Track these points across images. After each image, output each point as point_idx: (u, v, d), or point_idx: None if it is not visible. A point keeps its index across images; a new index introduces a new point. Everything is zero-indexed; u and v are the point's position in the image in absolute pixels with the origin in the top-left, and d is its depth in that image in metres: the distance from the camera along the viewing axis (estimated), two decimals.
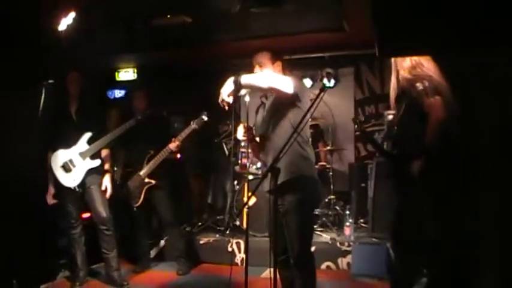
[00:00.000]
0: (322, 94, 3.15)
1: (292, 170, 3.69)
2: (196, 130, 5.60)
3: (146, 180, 5.68)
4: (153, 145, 5.74)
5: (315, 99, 3.22)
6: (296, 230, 3.74)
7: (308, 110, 3.29)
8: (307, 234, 3.92)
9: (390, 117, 5.95)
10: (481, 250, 2.96)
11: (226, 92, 3.58)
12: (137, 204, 5.73)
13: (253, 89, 3.76)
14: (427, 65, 3.63)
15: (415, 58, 3.63)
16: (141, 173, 5.69)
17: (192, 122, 5.58)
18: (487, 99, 2.61)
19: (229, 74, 5.44)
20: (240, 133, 3.94)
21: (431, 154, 3.53)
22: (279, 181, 3.38)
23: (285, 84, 3.62)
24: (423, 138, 3.57)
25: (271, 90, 3.68)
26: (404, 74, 3.68)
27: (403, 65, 3.69)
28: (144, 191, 5.68)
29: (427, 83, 3.54)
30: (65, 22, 4.38)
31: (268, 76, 3.73)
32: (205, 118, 5.56)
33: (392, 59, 3.78)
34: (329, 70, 3.19)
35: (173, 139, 5.61)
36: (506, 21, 2.01)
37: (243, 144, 6.17)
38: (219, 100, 3.61)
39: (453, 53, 2.63)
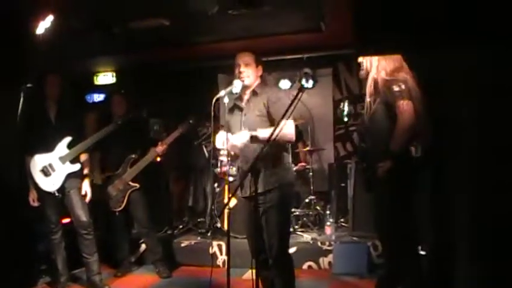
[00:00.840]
0: (300, 95, 3.17)
1: (273, 180, 3.81)
2: (182, 134, 5.64)
3: (131, 184, 5.67)
4: (132, 148, 5.74)
5: (293, 100, 3.24)
6: (275, 229, 3.81)
7: (286, 112, 3.30)
8: (286, 234, 3.98)
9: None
10: (457, 251, 3.01)
11: (237, 144, 3.69)
12: (120, 208, 5.70)
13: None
14: (404, 66, 3.70)
15: (396, 59, 3.70)
16: (124, 176, 5.67)
17: (179, 128, 5.61)
18: (465, 99, 2.65)
19: (209, 75, 5.44)
20: (219, 142, 3.94)
21: (396, 156, 3.61)
22: (260, 190, 3.57)
23: (293, 128, 3.79)
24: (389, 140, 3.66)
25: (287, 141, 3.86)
26: (382, 74, 3.73)
27: (384, 65, 3.74)
28: (127, 195, 5.67)
29: (403, 86, 3.61)
30: (43, 25, 4.34)
31: (283, 130, 3.76)
32: (192, 122, 5.60)
33: (373, 58, 3.82)
34: (307, 70, 3.21)
35: (160, 143, 5.64)
36: (488, 22, 2.05)
37: (222, 152, 6.17)
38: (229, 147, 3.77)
39: (432, 53, 2.67)
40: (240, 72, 3.89)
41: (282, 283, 3.86)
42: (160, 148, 5.62)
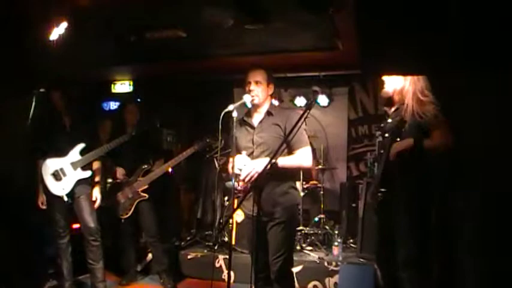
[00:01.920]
0: (307, 113, 3.16)
1: (282, 200, 3.87)
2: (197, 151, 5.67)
3: (141, 193, 5.68)
4: (144, 158, 5.76)
5: (301, 116, 3.24)
6: (279, 247, 3.82)
7: (294, 127, 3.30)
8: (289, 252, 3.97)
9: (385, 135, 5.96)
10: (463, 267, 2.97)
11: (259, 171, 3.64)
12: (126, 216, 5.72)
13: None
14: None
15: (426, 78, 3.59)
16: (135, 185, 5.69)
17: (195, 145, 5.64)
18: (469, 117, 2.64)
19: (225, 89, 5.44)
20: (238, 166, 3.89)
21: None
22: (268, 208, 3.75)
23: (310, 155, 3.92)
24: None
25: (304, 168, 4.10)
26: (419, 94, 3.60)
27: (419, 85, 3.61)
28: (135, 203, 5.68)
29: (438, 109, 3.48)
30: (57, 32, 4.39)
31: (300, 158, 3.87)
32: (209, 141, 5.62)
33: (404, 78, 3.70)
34: (316, 88, 3.22)
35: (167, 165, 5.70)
36: (491, 43, 2.04)
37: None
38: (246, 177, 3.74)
39: (438, 73, 2.65)
40: (250, 91, 3.90)
41: None
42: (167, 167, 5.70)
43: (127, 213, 5.69)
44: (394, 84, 3.74)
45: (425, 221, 3.63)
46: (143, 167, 5.75)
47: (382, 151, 3.96)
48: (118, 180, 5.79)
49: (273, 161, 3.54)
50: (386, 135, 3.87)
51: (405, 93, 3.67)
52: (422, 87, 3.59)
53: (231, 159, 3.98)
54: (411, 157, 3.51)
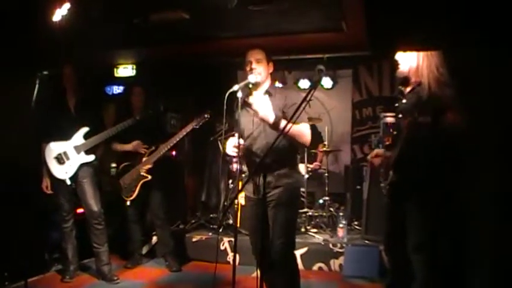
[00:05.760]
0: (312, 92, 3.12)
1: (283, 182, 3.83)
2: (195, 129, 5.62)
3: (143, 174, 5.66)
4: (148, 141, 5.73)
5: (305, 97, 3.20)
6: (279, 228, 3.79)
7: (298, 108, 3.25)
8: (290, 234, 3.93)
9: (388, 119, 5.90)
10: (473, 255, 2.95)
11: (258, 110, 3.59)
12: (131, 198, 5.71)
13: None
14: None
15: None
16: (138, 166, 5.68)
17: (194, 121, 5.58)
18: (483, 96, 2.59)
19: (229, 72, 5.37)
20: (230, 148, 3.88)
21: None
22: (269, 188, 3.70)
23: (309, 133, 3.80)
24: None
25: (302, 143, 3.82)
26: (435, 71, 3.44)
27: (436, 61, 3.38)
28: (139, 185, 5.68)
29: (453, 92, 3.26)
30: (60, 13, 4.35)
31: (300, 129, 3.73)
32: (207, 117, 5.57)
33: (420, 54, 3.56)
34: (320, 67, 3.16)
35: (169, 142, 5.65)
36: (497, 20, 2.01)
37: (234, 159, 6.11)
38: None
39: (451, 47, 2.60)
40: (252, 69, 3.86)
41: (283, 283, 3.86)
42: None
43: (131, 195, 5.69)
44: (409, 62, 3.59)
45: (437, 209, 3.56)
46: (150, 149, 5.71)
47: (395, 132, 3.86)
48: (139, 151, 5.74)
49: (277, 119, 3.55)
50: (400, 116, 3.77)
51: (421, 71, 3.49)
52: (437, 63, 3.42)
53: (228, 141, 3.95)
54: (425, 139, 3.42)
